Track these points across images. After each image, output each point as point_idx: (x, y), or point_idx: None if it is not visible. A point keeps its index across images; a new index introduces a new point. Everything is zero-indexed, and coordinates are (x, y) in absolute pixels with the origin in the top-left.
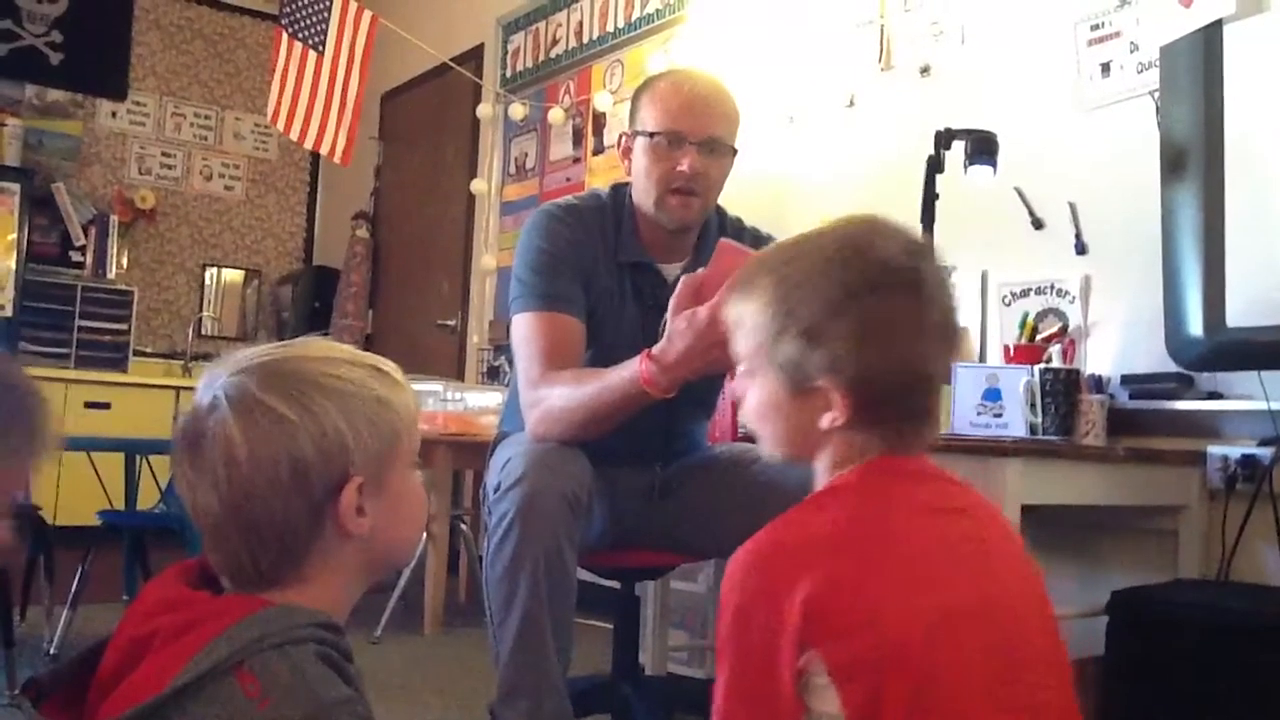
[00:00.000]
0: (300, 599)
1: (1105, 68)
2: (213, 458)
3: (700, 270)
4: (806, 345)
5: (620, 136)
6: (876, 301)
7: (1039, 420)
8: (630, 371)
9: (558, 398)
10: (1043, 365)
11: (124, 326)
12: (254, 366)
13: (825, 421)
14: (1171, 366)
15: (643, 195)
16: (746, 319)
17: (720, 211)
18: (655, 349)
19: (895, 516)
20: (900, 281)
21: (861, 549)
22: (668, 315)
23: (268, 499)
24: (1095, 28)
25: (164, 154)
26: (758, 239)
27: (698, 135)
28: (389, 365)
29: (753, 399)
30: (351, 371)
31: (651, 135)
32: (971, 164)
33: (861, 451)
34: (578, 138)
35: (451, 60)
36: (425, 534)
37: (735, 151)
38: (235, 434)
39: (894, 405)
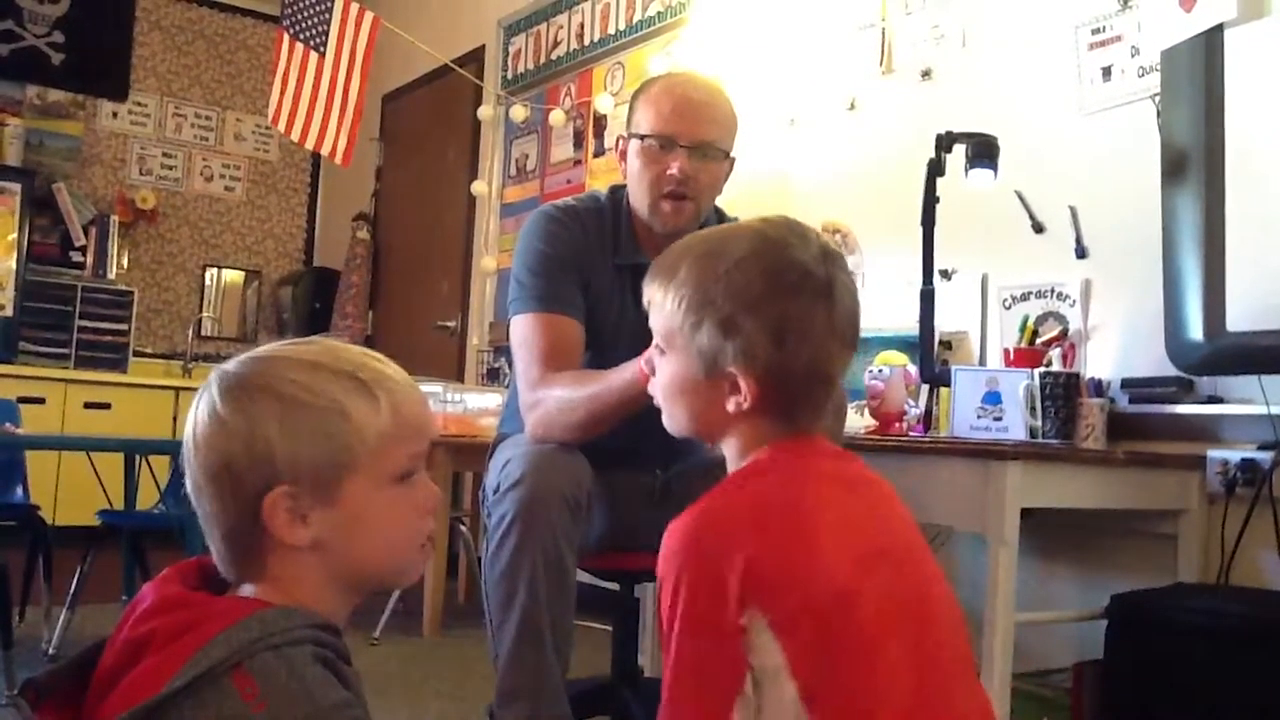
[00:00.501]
0: (275, 597)
1: (1106, 71)
2: (186, 449)
3: None
4: (722, 334)
5: (618, 139)
6: (789, 303)
7: (1039, 424)
8: (629, 372)
9: (557, 399)
10: (1043, 369)
11: (124, 327)
12: (234, 365)
13: (732, 405)
14: (1171, 370)
15: (636, 198)
16: (665, 301)
17: (720, 214)
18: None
19: (809, 485)
20: (814, 286)
21: (785, 516)
22: None
23: (211, 495)
24: (1096, 31)
25: (165, 155)
26: None
27: (689, 139)
28: (375, 376)
29: (664, 376)
30: (319, 379)
31: (643, 138)
32: (972, 167)
33: (766, 436)
34: (578, 140)
35: (452, 62)
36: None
37: (730, 157)
38: (193, 429)
39: (798, 399)
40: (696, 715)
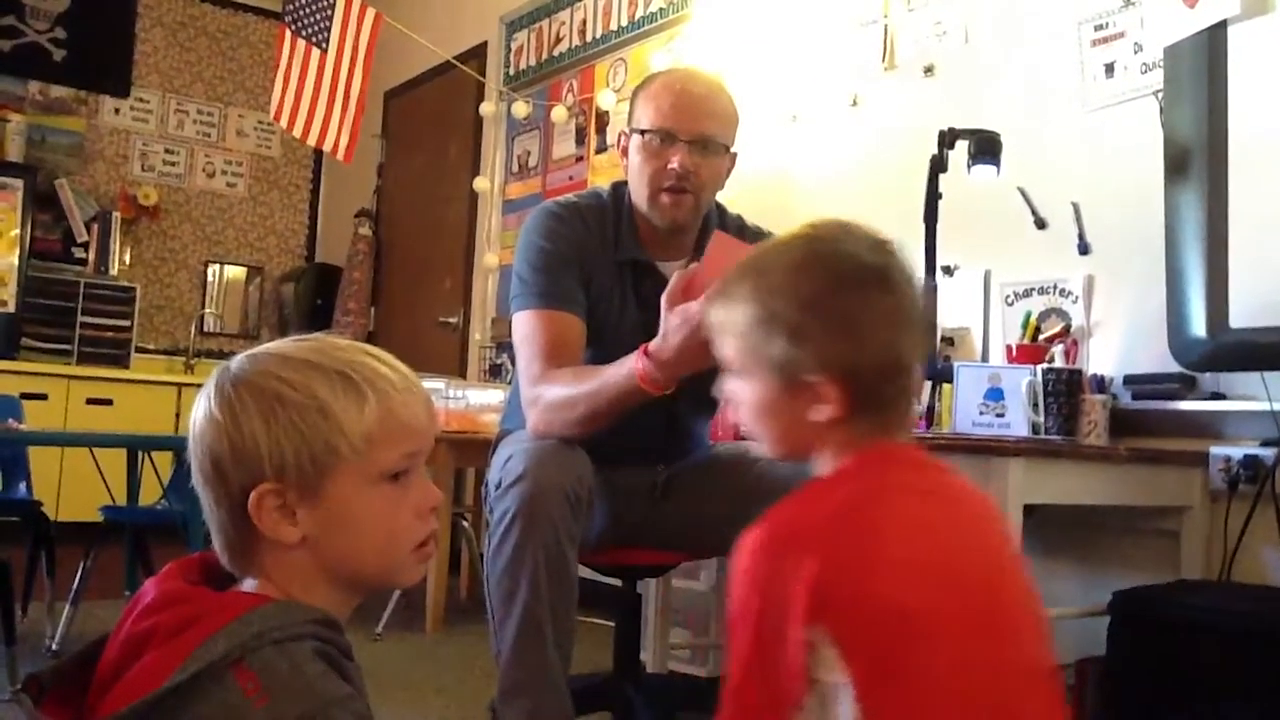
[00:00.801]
0: (274, 593)
1: (1109, 68)
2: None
3: (693, 264)
4: (792, 344)
5: (619, 135)
6: (850, 296)
7: (1041, 420)
8: (627, 368)
9: (557, 395)
10: (1045, 365)
11: (126, 323)
12: (234, 363)
13: (817, 415)
14: (1174, 367)
15: (637, 193)
16: (731, 324)
17: (721, 210)
18: (651, 345)
19: (891, 498)
20: (869, 277)
21: (862, 528)
22: (663, 311)
23: (205, 490)
24: (1099, 28)
25: (167, 151)
26: (759, 238)
27: (688, 133)
28: (364, 373)
29: (748, 401)
30: (306, 377)
31: (644, 133)
32: (975, 164)
33: (857, 439)
34: (580, 136)
35: (455, 58)
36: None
37: (731, 152)
38: (193, 427)
39: (877, 392)
40: None
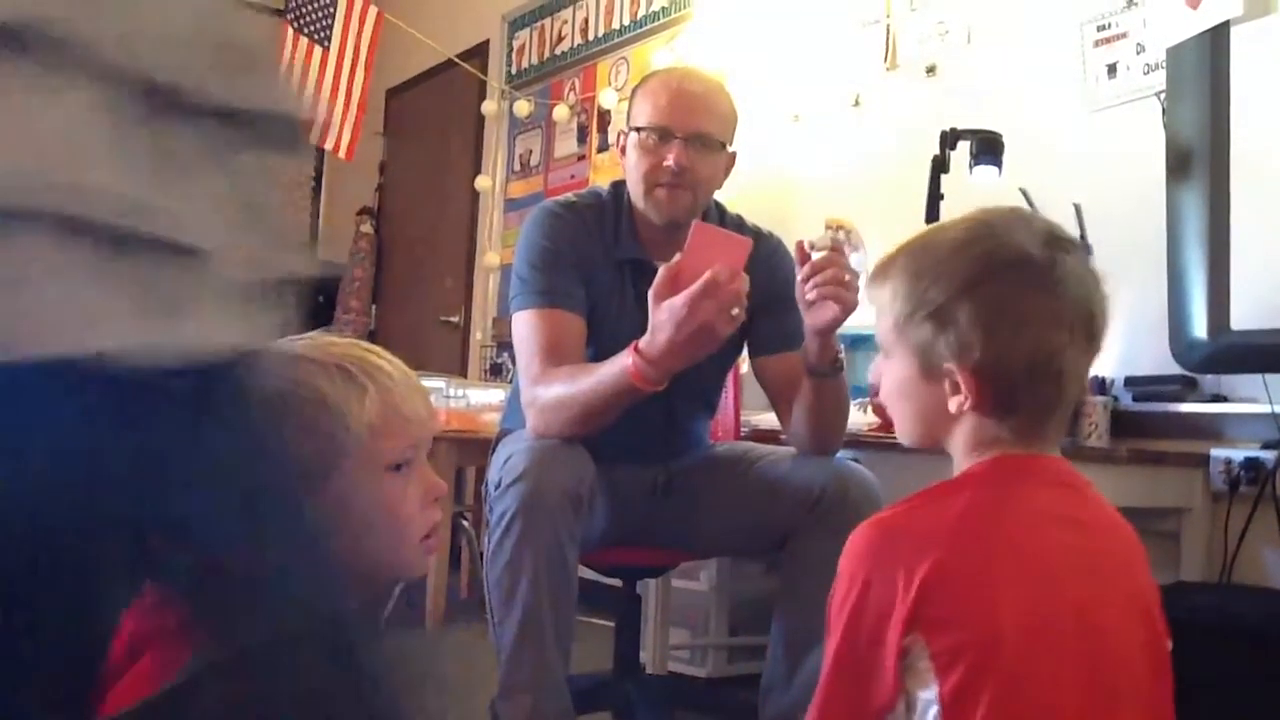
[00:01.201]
0: None
1: (1111, 69)
2: None
3: (677, 257)
4: (935, 327)
5: (619, 135)
6: (1004, 288)
7: None
8: (619, 365)
9: (554, 394)
10: None
11: None
12: None
13: (953, 405)
14: (1175, 369)
15: (634, 190)
16: (882, 302)
17: (720, 209)
18: (641, 342)
19: (1010, 518)
20: (1032, 270)
21: (974, 545)
22: (650, 307)
23: None
24: (1102, 28)
25: None
26: (760, 237)
27: (685, 130)
28: (363, 365)
29: (888, 380)
30: (305, 372)
31: (641, 130)
32: (976, 164)
33: (992, 440)
34: (582, 134)
35: (457, 56)
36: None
37: (729, 150)
38: None
39: (1021, 394)
40: None
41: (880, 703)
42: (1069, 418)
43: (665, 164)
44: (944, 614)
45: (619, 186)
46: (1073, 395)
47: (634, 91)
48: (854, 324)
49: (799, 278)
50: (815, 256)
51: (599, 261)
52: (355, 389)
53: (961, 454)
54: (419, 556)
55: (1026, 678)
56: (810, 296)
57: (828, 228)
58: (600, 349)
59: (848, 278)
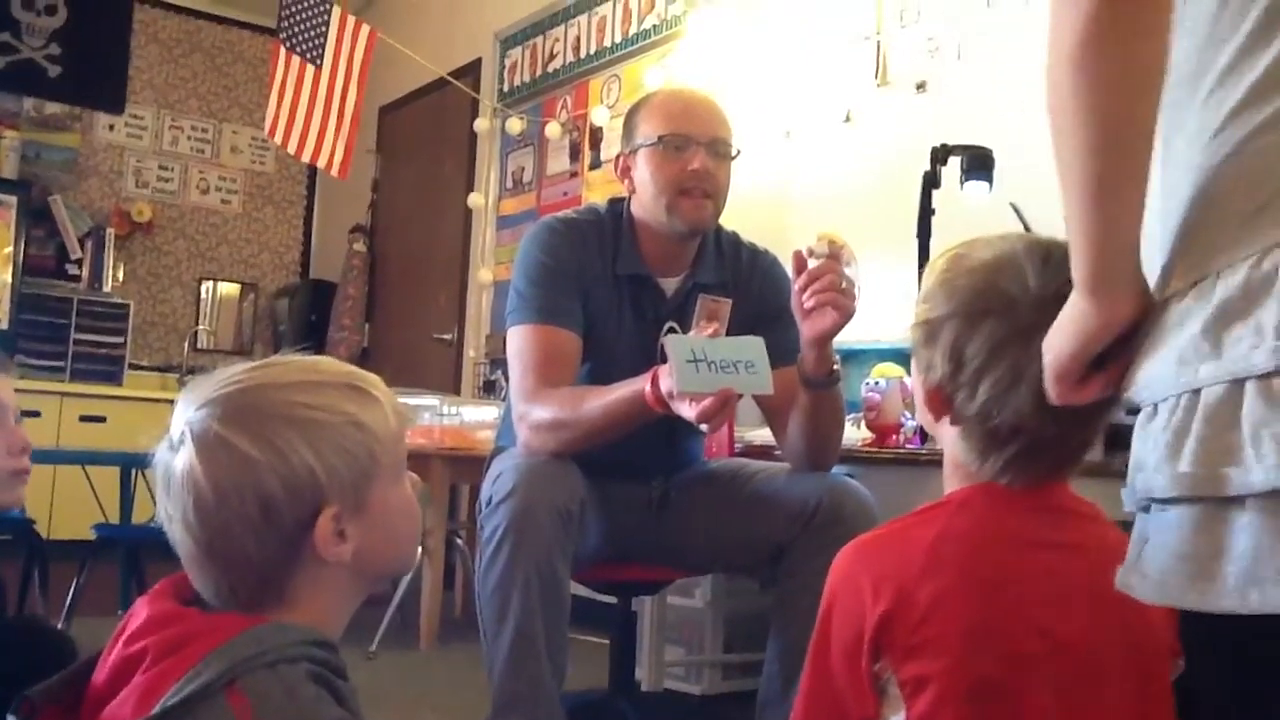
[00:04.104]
0: (290, 619)
1: None
2: (180, 494)
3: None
4: (923, 339)
5: (618, 158)
6: (976, 331)
7: None
8: (631, 390)
9: (553, 416)
10: None
11: (120, 339)
12: (220, 398)
13: (934, 418)
14: None
15: (651, 204)
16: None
17: (717, 226)
18: (664, 384)
19: (984, 545)
20: (1015, 322)
21: (941, 573)
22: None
23: (239, 535)
24: None
25: (161, 167)
26: (755, 254)
27: (704, 136)
28: (365, 379)
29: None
30: (323, 396)
31: (659, 139)
32: (967, 180)
33: (966, 464)
34: (574, 152)
35: (449, 74)
36: (420, 548)
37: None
38: (200, 473)
39: (994, 424)
40: None
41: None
42: (1071, 454)
43: (691, 168)
44: (908, 643)
45: (616, 204)
46: (1080, 433)
47: (633, 113)
48: (849, 338)
49: (797, 285)
50: (812, 264)
51: (598, 277)
52: (371, 403)
53: (948, 473)
54: (417, 550)
55: (991, 702)
56: (809, 304)
57: (819, 241)
58: (598, 364)
59: (844, 285)
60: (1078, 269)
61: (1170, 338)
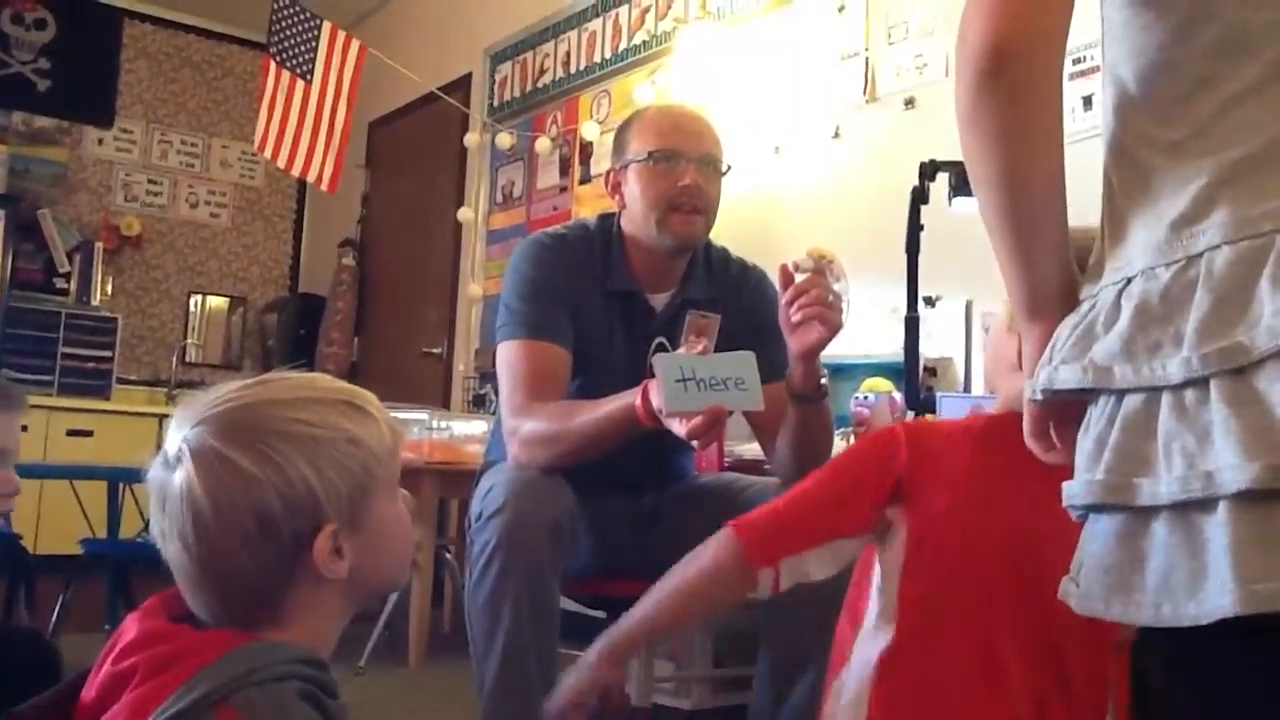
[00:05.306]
0: (282, 638)
1: (1087, 100)
2: (178, 512)
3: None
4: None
5: (608, 173)
6: None
7: None
8: (621, 404)
9: (542, 430)
10: None
11: (108, 354)
12: (217, 415)
13: (1015, 361)
14: None
15: (642, 220)
16: None
17: (707, 242)
18: (654, 400)
19: (999, 454)
20: None
21: (960, 457)
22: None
23: (236, 553)
24: (1077, 61)
25: (150, 181)
26: (744, 269)
27: (694, 152)
28: (360, 396)
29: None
30: (321, 413)
31: (649, 155)
32: (956, 195)
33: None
34: (564, 167)
35: (439, 89)
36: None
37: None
38: (198, 489)
39: None
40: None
41: (845, 525)
42: None
43: (682, 184)
44: (920, 494)
45: (606, 219)
46: None
47: (623, 129)
48: (838, 352)
49: (783, 300)
50: (799, 278)
51: (588, 293)
52: (366, 419)
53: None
54: (409, 567)
55: (964, 578)
56: (795, 318)
57: (808, 257)
58: (589, 379)
59: (831, 299)
60: (1017, 302)
61: (1100, 335)
